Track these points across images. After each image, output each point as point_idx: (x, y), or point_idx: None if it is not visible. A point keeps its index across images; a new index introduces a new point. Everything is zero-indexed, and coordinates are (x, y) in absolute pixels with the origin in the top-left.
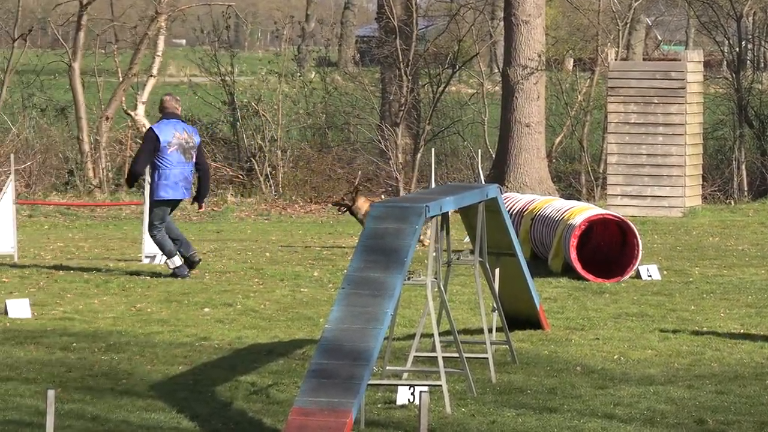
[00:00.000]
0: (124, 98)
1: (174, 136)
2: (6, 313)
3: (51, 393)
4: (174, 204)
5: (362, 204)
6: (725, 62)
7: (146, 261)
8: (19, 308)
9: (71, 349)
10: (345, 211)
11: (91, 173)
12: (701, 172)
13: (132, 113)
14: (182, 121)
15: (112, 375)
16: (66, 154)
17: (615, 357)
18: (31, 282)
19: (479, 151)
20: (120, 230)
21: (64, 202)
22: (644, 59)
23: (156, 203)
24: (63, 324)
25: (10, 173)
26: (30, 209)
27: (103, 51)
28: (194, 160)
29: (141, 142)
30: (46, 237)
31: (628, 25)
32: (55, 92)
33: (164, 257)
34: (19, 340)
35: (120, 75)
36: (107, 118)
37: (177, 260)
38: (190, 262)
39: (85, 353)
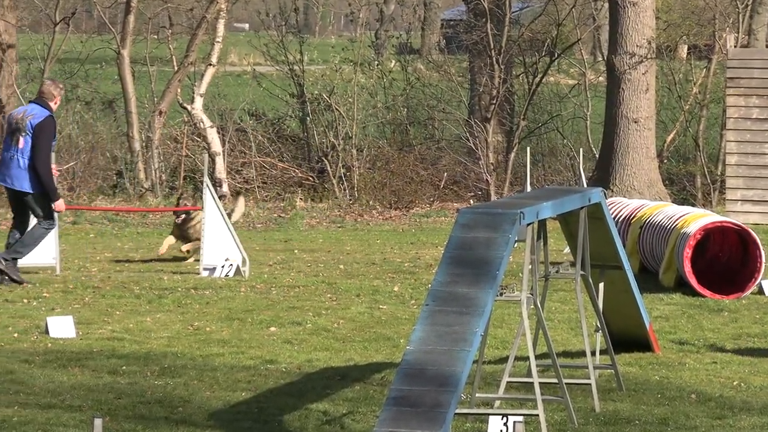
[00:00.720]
0: (179, 90)
1: (12, 116)
2: (47, 332)
3: (98, 422)
4: (10, 194)
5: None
6: None
7: (205, 274)
8: (62, 327)
9: (120, 373)
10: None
11: (142, 175)
12: None
13: (188, 107)
14: (42, 105)
15: (166, 402)
16: (114, 153)
17: (735, 383)
18: (75, 297)
19: (580, 150)
20: None
21: (112, 207)
22: None
23: None
24: (111, 344)
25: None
26: (73, 215)
27: (155, 37)
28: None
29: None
30: (92, 246)
31: (749, 8)
32: (101, 83)
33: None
34: (62, 362)
35: (175, 64)
36: (161, 113)
37: None
38: None
39: (137, 377)
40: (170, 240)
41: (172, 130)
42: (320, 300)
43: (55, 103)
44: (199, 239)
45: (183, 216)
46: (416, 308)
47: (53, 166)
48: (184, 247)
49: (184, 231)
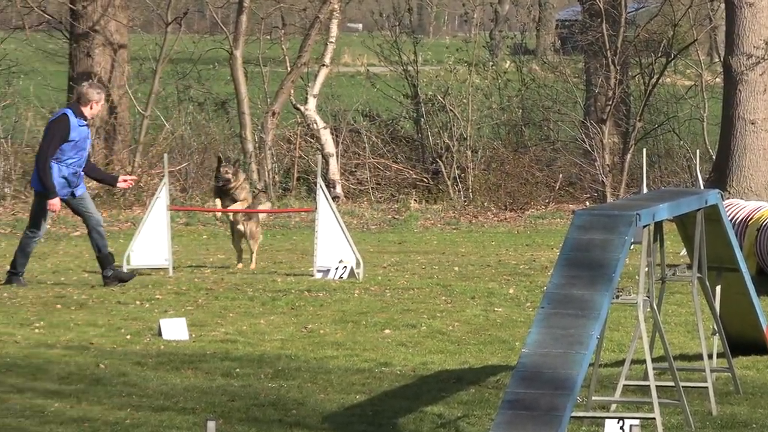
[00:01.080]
0: (292, 91)
1: None
2: (160, 334)
3: (211, 424)
4: None
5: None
6: None
7: (319, 276)
8: (175, 329)
9: (234, 375)
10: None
11: (255, 176)
12: None
13: (301, 108)
14: (74, 110)
15: (280, 405)
16: (227, 154)
17: None
18: (188, 299)
19: (697, 151)
20: (288, 240)
21: (225, 208)
22: None
23: None
24: (224, 347)
25: (163, 176)
26: (186, 216)
27: (268, 37)
28: None
29: None
30: (205, 248)
31: None
32: (214, 84)
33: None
34: (175, 364)
35: (288, 64)
36: (273, 114)
37: None
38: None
39: (250, 380)
40: (218, 202)
41: (285, 131)
42: (435, 302)
43: (91, 108)
44: (247, 200)
45: (225, 179)
46: (532, 311)
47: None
48: (252, 249)
49: (230, 194)
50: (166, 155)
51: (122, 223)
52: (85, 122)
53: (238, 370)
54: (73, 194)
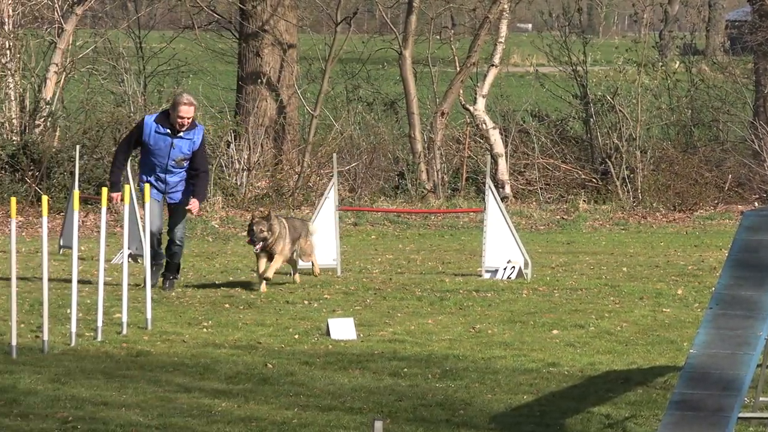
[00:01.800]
0: (461, 91)
1: None
2: (328, 333)
3: (378, 424)
4: None
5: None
6: None
7: (487, 276)
8: (344, 328)
9: (402, 375)
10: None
11: (424, 176)
12: None
13: (471, 108)
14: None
15: (447, 405)
16: (396, 155)
17: None
18: (356, 299)
19: None
20: (457, 241)
21: (394, 208)
22: None
23: None
24: (392, 347)
25: (332, 175)
26: (355, 216)
27: (437, 37)
28: None
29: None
30: (373, 248)
31: None
32: (383, 84)
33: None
34: (342, 364)
35: (457, 64)
36: (443, 114)
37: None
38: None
39: (418, 380)
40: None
41: (454, 131)
42: (603, 303)
43: (171, 112)
44: (283, 253)
45: (262, 239)
46: (700, 311)
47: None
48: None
49: (268, 250)
50: (335, 155)
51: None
52: (167, 130)
53: (405, 369)
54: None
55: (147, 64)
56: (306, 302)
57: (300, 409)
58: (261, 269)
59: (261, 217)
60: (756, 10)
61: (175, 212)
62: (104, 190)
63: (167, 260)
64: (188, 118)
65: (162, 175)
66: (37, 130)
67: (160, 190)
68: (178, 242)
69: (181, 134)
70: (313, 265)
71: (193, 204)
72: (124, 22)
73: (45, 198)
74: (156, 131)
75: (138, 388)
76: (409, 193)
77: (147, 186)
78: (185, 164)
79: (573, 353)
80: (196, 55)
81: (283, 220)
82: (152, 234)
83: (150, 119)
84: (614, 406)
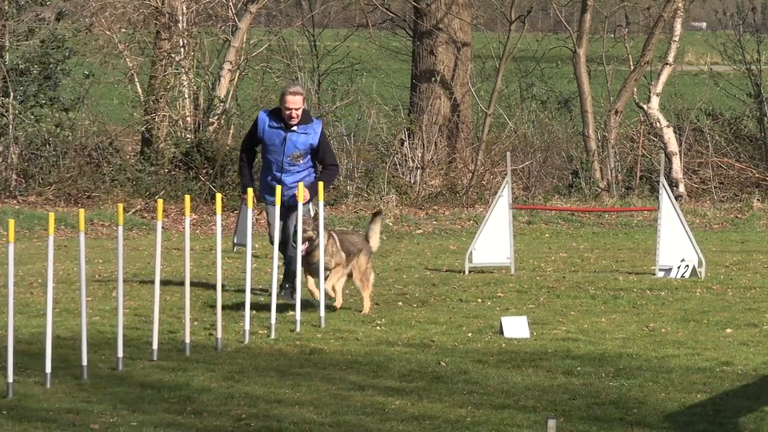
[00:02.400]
0: (635, 89)
1: None
2: (502, 332)
3: (552, 423)
4: None
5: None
6: None
7: (660, 275)
8: (517, 327)
9: (575, 374)
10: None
11: (597, 174)
12: None
13: (644, 106)
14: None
15: (621, 403)
16: (570, 153)
17: None
18: (529, 297)
19: None
20: (631, 239)
21: (567, 207)
22: None
23: None
24: (566, 345)
25: (506, 174)
26: (528, 215)
27: (612, 35)
28: None
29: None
30: (547, 246)
31: None
32: (557, 82)
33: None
34: (516, 362)
35: (631, 63)
36: (616, 112)
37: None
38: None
39: (591, 378)
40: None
41: (628, 130)
42: None
43: (281, 105)
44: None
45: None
46: None
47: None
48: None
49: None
50: (508, 153)
51: (464, 221)
52: (280, 124)
53: (579, 368)
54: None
55: (321, 62)
56: (479, 300)
57: (473, 407)
58: (309, 284)
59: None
60: None
61: (293, 213)
62: (278, 189)
63: (285, 266)
64: (296, 109)
65: (278, 174)
66: (210, 128)
67: (272, 189)
68: (295, 245)
69: (295, 128)
70: (363, 291)
71: (305, 192)
72: (298, 21)
73: (219, 196)
74: (269, 126)
75: (311, 385)
76: (582, 191)
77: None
78: (302, 162)
79: (746, 352)
80: (370, 53)
81: (334, 234)
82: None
83: (264, 114)
84: None
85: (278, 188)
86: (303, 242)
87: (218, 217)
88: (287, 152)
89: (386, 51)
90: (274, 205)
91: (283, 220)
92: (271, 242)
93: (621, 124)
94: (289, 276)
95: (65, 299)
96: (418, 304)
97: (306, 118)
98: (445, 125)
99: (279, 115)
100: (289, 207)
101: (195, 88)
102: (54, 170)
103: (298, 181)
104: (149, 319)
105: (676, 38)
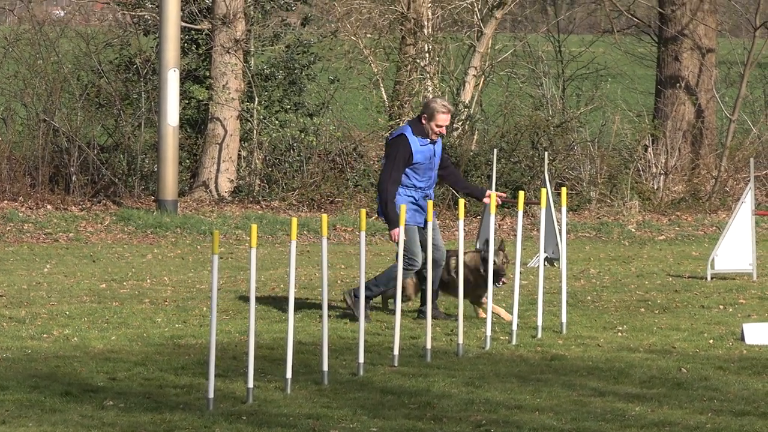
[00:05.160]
0: None
1: None
2: (743, 338)
3: None
4: None
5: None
6: None
7: None
8: (759, 334)
9: None
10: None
11: None
12: None
13: None
14: (411, 123)
15: None
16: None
17: None
18: None
19: None
20: None
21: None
22: None
23: None
24: None
25: (749, 180)
26: None
27: None
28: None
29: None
30: None
31: None
32: None
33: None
34: (757, 369)
35: None
36: None
37: None
38: None
39: None
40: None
41: None
42: None
43: (425, 121)
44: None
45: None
46: None
47: (495, 193)
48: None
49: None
50: (752, 159)
51: (707, 227)
52: (427, 140)
53: None
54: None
55: (566, 67)
56: (721, 307)
57: (713, 414)
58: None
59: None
60: None
61: (435, 229)
62: (521, 194)
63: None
64: (447, 127)
65: (430, 192)
66: (455, 133)
67: (423, 209)
68: (442, 262)
69: (435, 140)
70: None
71: (497, 195)
72: (543, 26)
73: (462, 201)
74: (421, 145)
75: (552, 391)
76: None
77: (403, 207)
78: None
79: None
80: (614, 58)
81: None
82: (416, 265)
83: (409, 133)
84: None
85: (430, 203)
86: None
87: (461, 223)
88: (436, 166)
89: (631, 56)
90: (421, 226)
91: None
92: (416, 266)
93: None
94: (434, 296)
95: (307, 304)
96: (659, 310)
97: None
98: (689, 131)
99: (421, 131)
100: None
101: (440, 93)
102: (297, 175)
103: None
104: (391, 324)
105: None
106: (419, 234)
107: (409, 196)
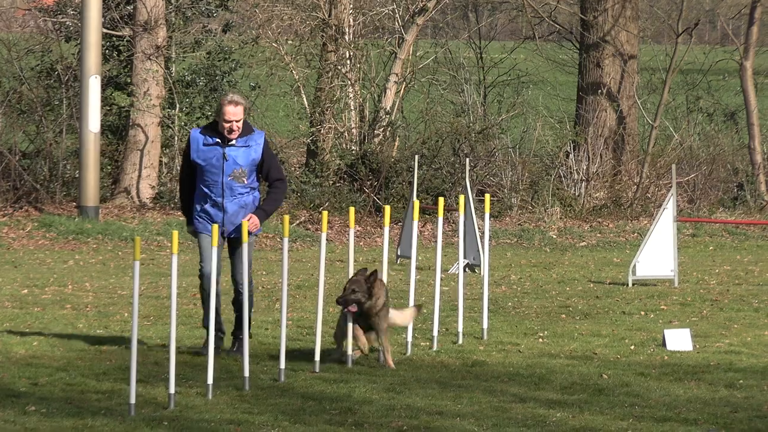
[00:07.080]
0: None
1: None
2: (664, 344)
3: None
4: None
5: (379, 293)
6: None
7: None
8: (680, 340)
9: (737, 387)
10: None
11: (763, 187)
12: None
13: None
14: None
15: None
16: (735, 165)
17: None
18: (692, 310)
19: None
20: None
21: (732, 220)
22: None
23: None
24: (728, 358)
25: (671, 186)
26: (693, 228)
27: None
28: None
29: None
30: (711, 259)
31: None
32: (723, 95)
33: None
34: (678, 375)
35: None
36: None
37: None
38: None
39: (754, 391)
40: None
41: None
42: None
43: (216, 117)
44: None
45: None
46: None
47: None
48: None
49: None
50: (674, 166)
51: (629, 234)
52: (215, 140)
53: (741, 381)
54: (222, 234)
55: (487, 74)
56: (642, 313)
57: (635, 420)
58: (360, 340)
59: (361, 275)
60: None
61: (238, 249)
62: (440, 200)
63: (235, 313)
64: (237, 121)
65: (219, 200)
66: (376, 140)
67: (217, 221)
68: (241, 288)
69: (234, 142)
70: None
71: (252, 220)
72: (464, 33)
73: (387, 208)
74: (204, 143)
75: (473, 397)
76: (747, 204)
77: (215, 227)
78: (246, 181)
79: None
80: (536, 65)
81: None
82: (206, 276)
83: (196, 132)
84: None
85: (244, 223)
86: (349, 304)
87: (386, 230)
88: (227, 172)
89: (553, 63)
90: (210, 235)
91: (230, 258)
92: (202, 277)
93: None
94: (238, 324)
95: (227, 311)
96: (581, 316)
97: (246, 130)
98: (611, 137)
99: (214, 130)
100: (231, 242)
101: (361, 100)
102: None
103: (241, 210)
104: (312, 330)
105: None
106: (217, 251)
107: (201, 200)
